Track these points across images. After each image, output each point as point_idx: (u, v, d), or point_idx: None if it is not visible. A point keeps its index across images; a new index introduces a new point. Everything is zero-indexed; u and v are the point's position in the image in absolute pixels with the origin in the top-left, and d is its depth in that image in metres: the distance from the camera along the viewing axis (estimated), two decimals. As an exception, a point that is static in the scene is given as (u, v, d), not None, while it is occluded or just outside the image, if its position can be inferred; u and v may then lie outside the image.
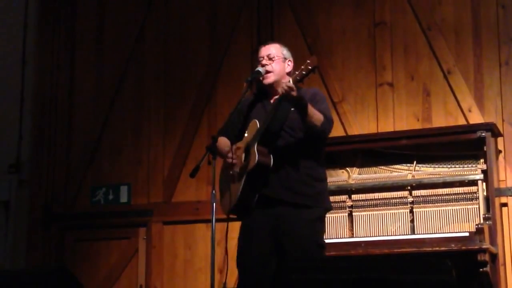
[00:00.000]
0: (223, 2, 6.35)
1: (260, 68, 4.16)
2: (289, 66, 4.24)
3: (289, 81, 3.89)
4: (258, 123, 4.08)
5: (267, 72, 4.16)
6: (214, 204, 3.91)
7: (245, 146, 4.11)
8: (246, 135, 4.16)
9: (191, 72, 6.34)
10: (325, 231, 4.15)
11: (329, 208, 4.19)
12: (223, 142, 4.18)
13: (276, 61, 4.18)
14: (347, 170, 5.31)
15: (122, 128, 6.47)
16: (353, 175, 5.27)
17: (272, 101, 4.20)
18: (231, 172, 4.14)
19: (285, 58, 4.23)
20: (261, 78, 4.16)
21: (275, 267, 4.01)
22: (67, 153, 6.58)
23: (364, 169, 5.29)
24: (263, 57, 4.20)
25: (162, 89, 6.40)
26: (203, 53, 6.34)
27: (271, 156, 4.01)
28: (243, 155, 4.11)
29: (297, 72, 3.95)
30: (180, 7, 6.47)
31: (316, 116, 3.98)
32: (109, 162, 6.46)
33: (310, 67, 3.91)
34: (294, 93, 3.85)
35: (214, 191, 3.93)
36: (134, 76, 6.51)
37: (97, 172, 6.48)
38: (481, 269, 4.63)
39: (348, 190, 5.23)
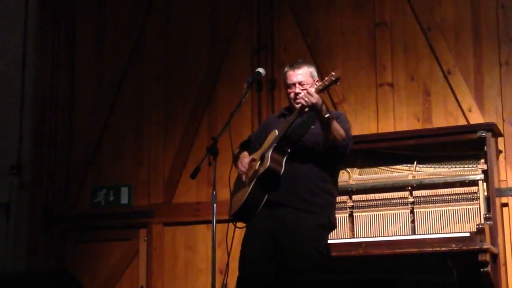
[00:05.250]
0: (223, 3, 6.34)
1: (260, 69, 4.16)
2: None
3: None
4: (276, 132, 4.13)
5: None
6: (215, 205, 3.91)
7: (261, 154, 4.16)
8: (264, 144, 4.20)
9: (192, 73, 6.34)
10: (327, 242, 4.14)
11: (333, 222, 4.21)
12: (243, 154, 4.28)
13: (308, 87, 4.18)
14: (347, 171, 5.30)
15: (123, 129, 6.46)
16: (354, 176, 5.27)
17: None
18: (243, 179, 4.17)
19: (313, 80, 4.26)
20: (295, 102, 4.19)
21: (275, 269, 4.01)
22: (67, 154, 6.58)
23: (365, 169, 5.29)
24: (294, 84, 4.21)
25: (163, 90, 6.39)
26: (203, 54, 6.33)
27: (283, 164, 4.04)
28: (259, 163, 4.15)
29: (319, 83, 3.99)
30: (180, 8, 6.47)
31: (337, 130, 4.05)
32: (109, 163, 6.45)
33: (333, 79, 3.91)
34: (312, 99, 3.88)
35: (214, 192, 3.93)
36: (134, 77, 6.51)
37: (97, 173, 6.47)
38: (482, 269, 4.62)
39: (349, 191, 5.23)
